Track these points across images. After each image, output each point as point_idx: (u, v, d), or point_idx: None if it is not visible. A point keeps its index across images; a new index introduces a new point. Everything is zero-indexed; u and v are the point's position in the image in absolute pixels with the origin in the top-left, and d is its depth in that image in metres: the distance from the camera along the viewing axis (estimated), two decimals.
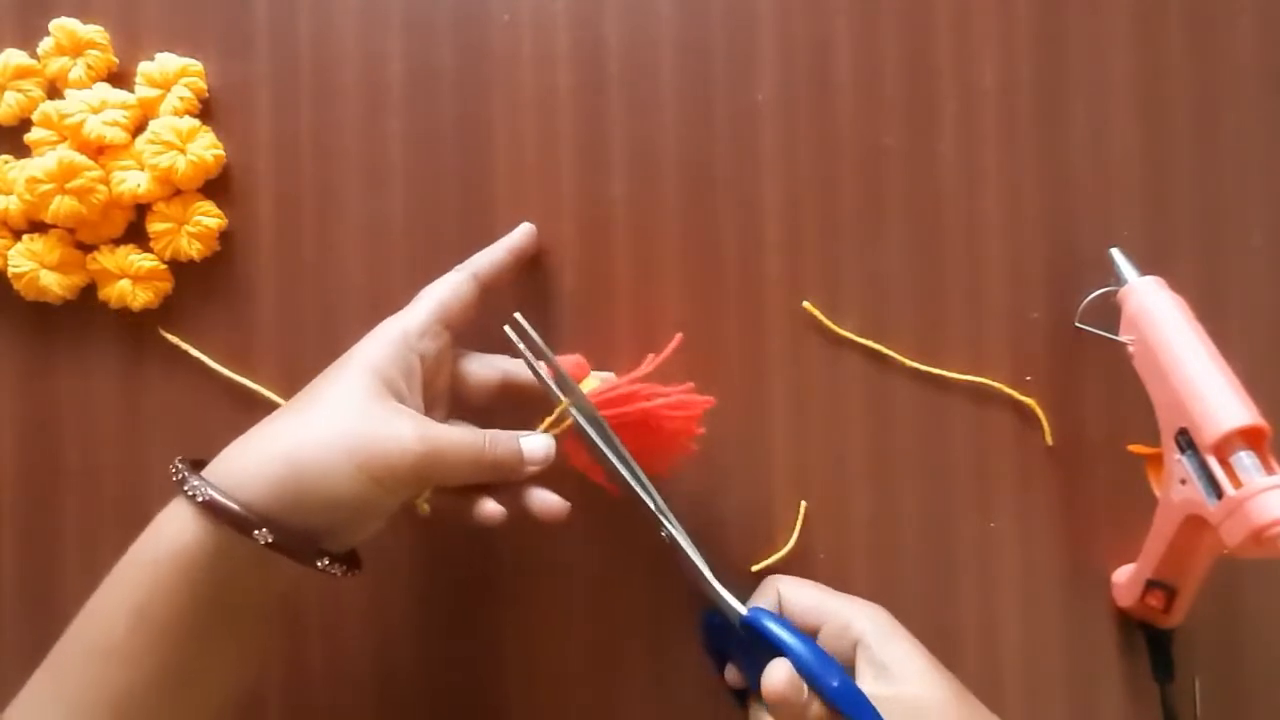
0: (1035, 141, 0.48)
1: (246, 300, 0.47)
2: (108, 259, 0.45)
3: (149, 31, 0.47)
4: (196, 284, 0.47)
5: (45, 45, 0.46)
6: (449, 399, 0.42)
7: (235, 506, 0.33)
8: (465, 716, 0.46)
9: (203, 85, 0.46)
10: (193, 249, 0.45)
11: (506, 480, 0.39)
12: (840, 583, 0.46)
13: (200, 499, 0.33)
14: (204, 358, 0.46)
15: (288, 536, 0.34)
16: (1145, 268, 0.45)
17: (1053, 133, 0.48)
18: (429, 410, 0.40)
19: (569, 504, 0.40)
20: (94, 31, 0.46)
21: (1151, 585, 0.43)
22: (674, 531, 0.40)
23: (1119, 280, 0.45)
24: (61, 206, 0.43)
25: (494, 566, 0.46)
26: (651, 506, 0.40)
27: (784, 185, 0.47)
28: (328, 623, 0.46)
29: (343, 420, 0.35)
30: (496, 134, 0.47)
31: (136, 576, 0.34)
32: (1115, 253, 0.45)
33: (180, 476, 0.35)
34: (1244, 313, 0.47)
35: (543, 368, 0.41)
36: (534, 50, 0.47)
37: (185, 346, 0.46)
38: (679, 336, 0.42)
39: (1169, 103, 0.48)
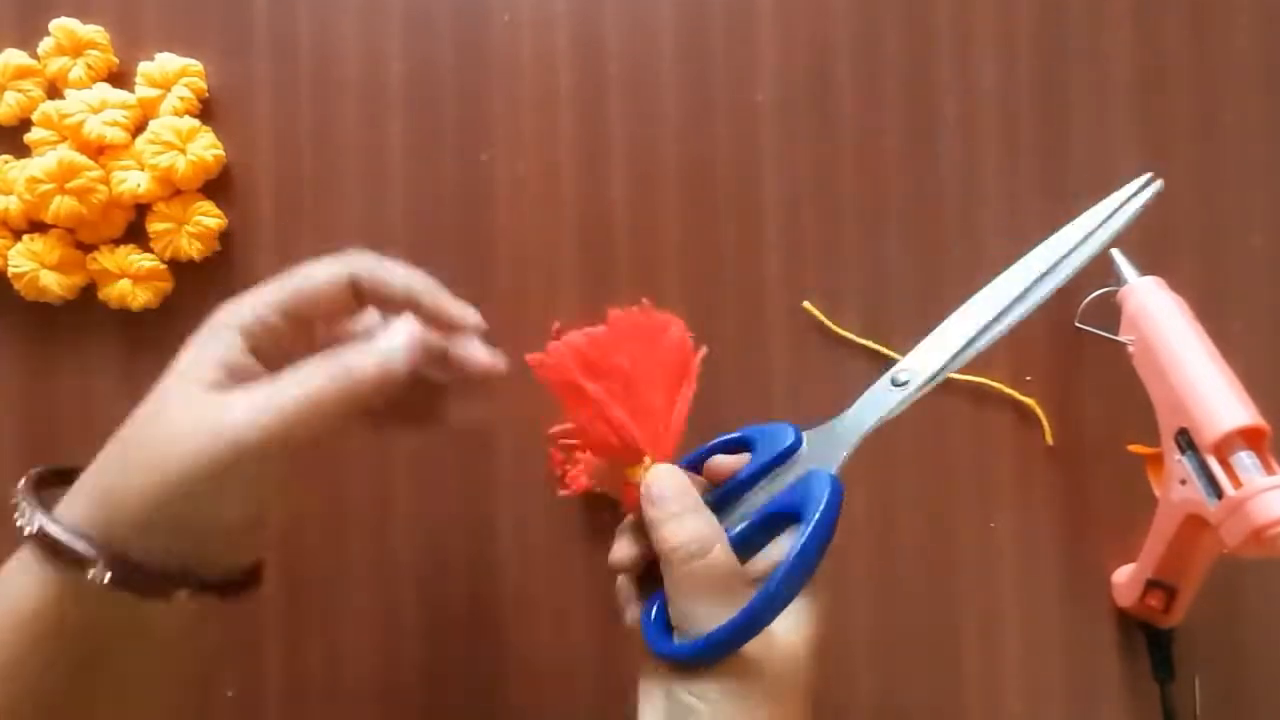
0: (1035, 141, 0.48)
1: None
2: (108, 259, 0.45)
3: (149, 31, 0.47)
4: (196, 284, 0.46)
5: (45, 45, 0.46)
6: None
7: (65, 537, 0.28)
8: (465, 716, 0.46)
9: (203, 85, 0.46)
10: (193, 249, 0.45)
11: (386, 393, 0.31)
12: (840, 582, 0.46)
13: (28, 531, 0.29)
14: None
15: (134, 570, 0.29)
16: (1145, 268, 0.45)
17: (1053, 133, 0.48)
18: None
19: (500, 359, 0.34)
20: (94, 31, 0.46)
21: (1151, 585, 0.43)
22: None
23: (1119, 280, 0.45)
24: (61, 206, 0.43)
25: (494, 566, 0.46)
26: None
27: (784, 185, 0.47)
28: (328, 623, 0.46)
29: (169, 424, 0.30)
30: (496, 134, 0.47)
31: None
32: (1115, 253, 0.45)
33: (15, 501, 0.30)
34: (1244, 313, 0.47)
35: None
36: (534, 50, 0.47)
37: None
38: (703, 350, 0.35)
39: (1169, 103, 0.48)
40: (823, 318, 0.47)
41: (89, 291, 0.46)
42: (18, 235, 0.45)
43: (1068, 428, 0.47)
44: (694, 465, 0.36)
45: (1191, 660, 0.46)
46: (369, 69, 0.47)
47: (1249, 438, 0.39)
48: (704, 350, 0.34)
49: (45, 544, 0.29)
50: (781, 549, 0.32)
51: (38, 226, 0.45)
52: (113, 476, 0.30)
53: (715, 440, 0.37)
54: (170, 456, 0.29)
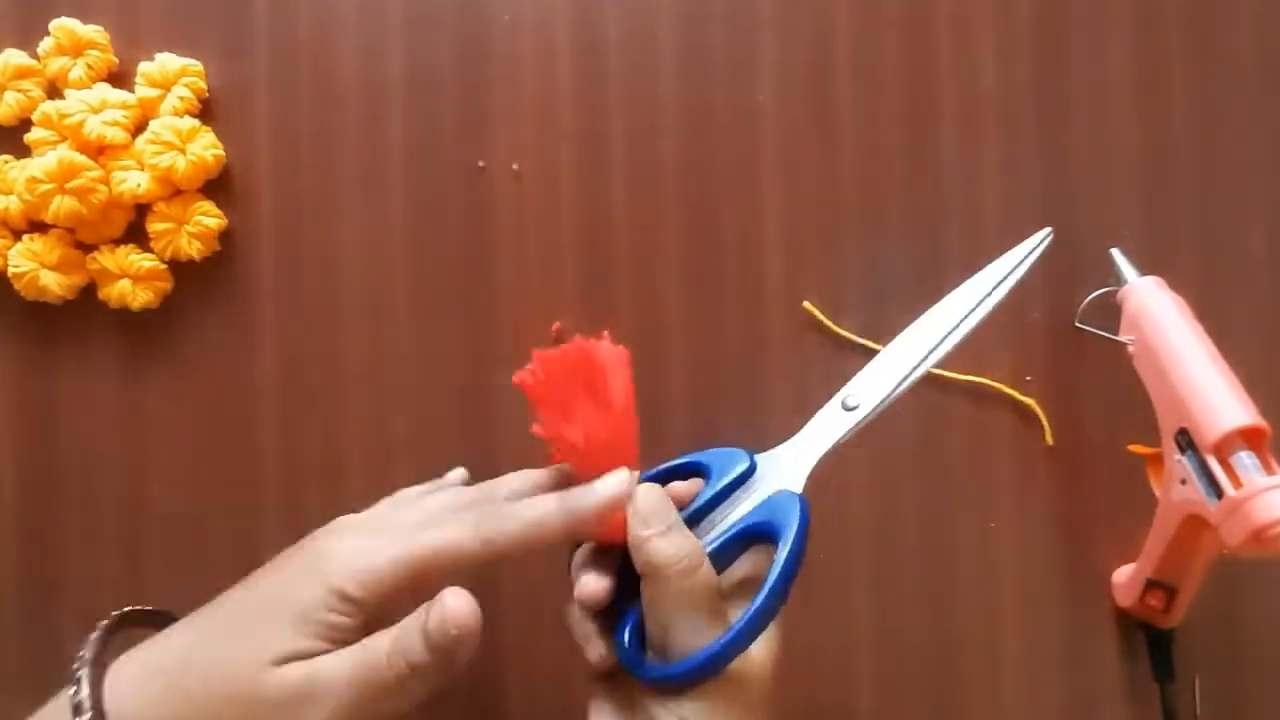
0: (1035, 141, 0.48)
1: (246, 300, 0.47)
2: (108, 259, 0.45)
3: (149, 31, 0.47)
4: (196, 284, 0.47)
5: (45, 45, 0.46)
6: None
7: None
8: (465, 716, 0.46)
9: (203, 85, 0.46)
10: (193, 249, 0.45)
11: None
12: (840, 582, 0.46)
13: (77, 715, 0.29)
14: None
15: None
16: (1145, 268, 0.45)
17: (1053, 133, 0.48)
18: None
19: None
20: (94, 31, 0.46)
21: (1151, 585, 0.43)
22: None
23: (1119, 280, 0.45)
24: (61, 206, 0.43)
25: (494, 567, 0.46)
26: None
27: (784, 185, 0.47)
28: None
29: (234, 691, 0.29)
30: (496, 134, 0.47)
31: None
32: (1115, 253, 0.45)
33: (75, 665, 0.31)
34: (1244, 313, 0.47)
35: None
36: (534, 50, 0.47)
37: None
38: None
39: (1169, 103, 0.48)
40: (823, 318, 0.47)
41: (89, 291, 0.46)
42: (18, 235, 0.45)
43: (1068, 428, 0.47)
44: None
45: (1191, 660, 0.46)
46: (369, 69, 0.47)
47: (1249, 438, 0.39)
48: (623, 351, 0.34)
49: None
50: (746, 568, 0.34)
51: (38, 226, 0.45)
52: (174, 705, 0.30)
53: (666, 464, 0.38)
54: None
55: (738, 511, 0.34)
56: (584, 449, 0.33)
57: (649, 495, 0.33)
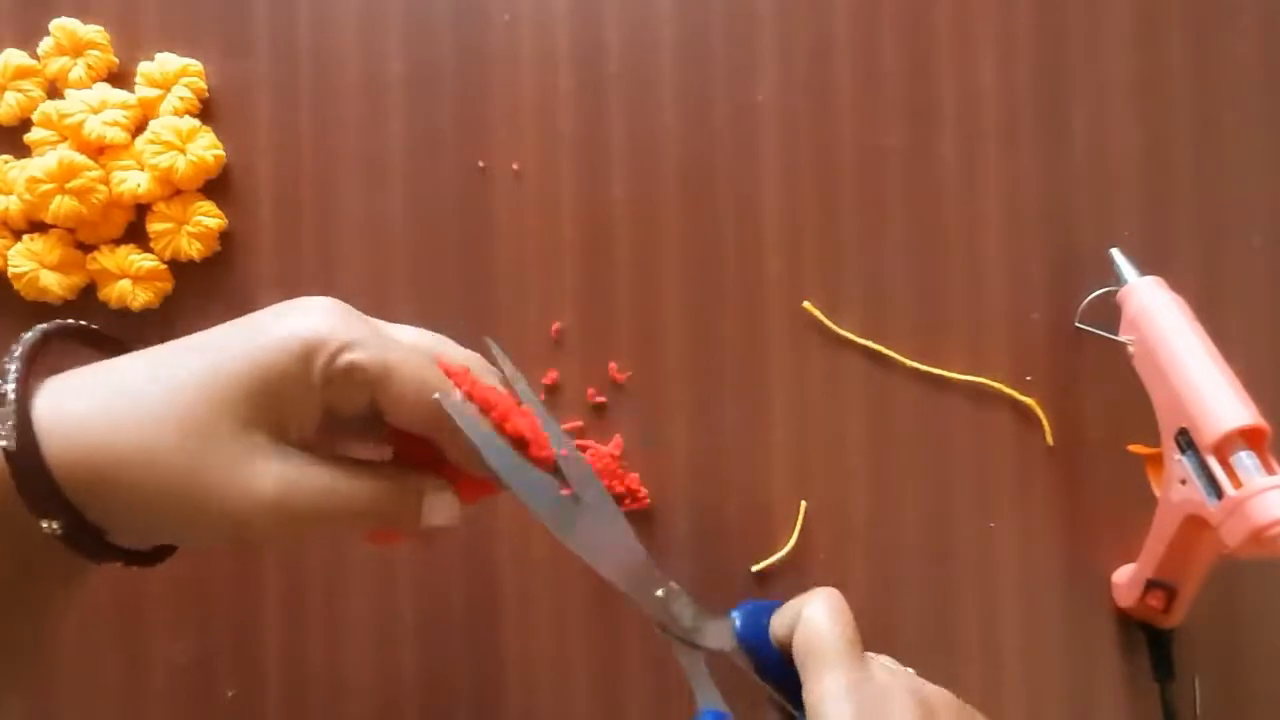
0: (1035, 141, 0.48)
1: (246, 300, 0.47)
2: (108, 259, 0.45)
3: (149, 31, 0.47)
4: (196, 284, 0.46)
5: (45, 45, 0.46)
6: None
7: (39, 481, 0.26)
8: (465, 716, 0.46)
9: (203, 85, 0.46)
10: (193, 249, 0.45)
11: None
12: (840, 583, 0.46)
13: (6, 445, 0.25)
14: None
15: (85, 533, 0.27)
16: (1145, 268, 0.45)
17: (1053, 133, 0.48)
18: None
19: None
20: (94, 31, 0.46)
21: (1151, 585, 0.43)
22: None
23: (1119, 280, 0.45)
24: (61, 206, 0.43)
25: (494, 567, 0.46)
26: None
27: (784, 185, 0.47)
28: (328, 623, 0.46)
29: (182, 454, 0.27)
30: (496, 134, 0.47)
31: None
32: (1115, 253, 0.45)
33: (4, 370, 0.27)
34: (1244, 313, 0.47)
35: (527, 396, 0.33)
36: (534, 50, 0.47)
37: None
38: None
39: (1169, 103, 0.48)
40: (823, 318, 0.47)
41: (89, 291, 0.46)
42: (18, 235, 0.45)
43: (1068, 428, 0.47)
44: None
45: (1191, 660, 0.46)
46: (369, 69, 0.47)
47: (1249, 438, 0.39)
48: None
49: (16, 466, 0.25)
50: None
51: (38, 226, 0.45)
52: (121, 461, 0.26)
53: None
54: (184, 502, 0.27)
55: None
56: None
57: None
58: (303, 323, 0.29)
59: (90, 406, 0.27)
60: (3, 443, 0.25)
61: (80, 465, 0.26)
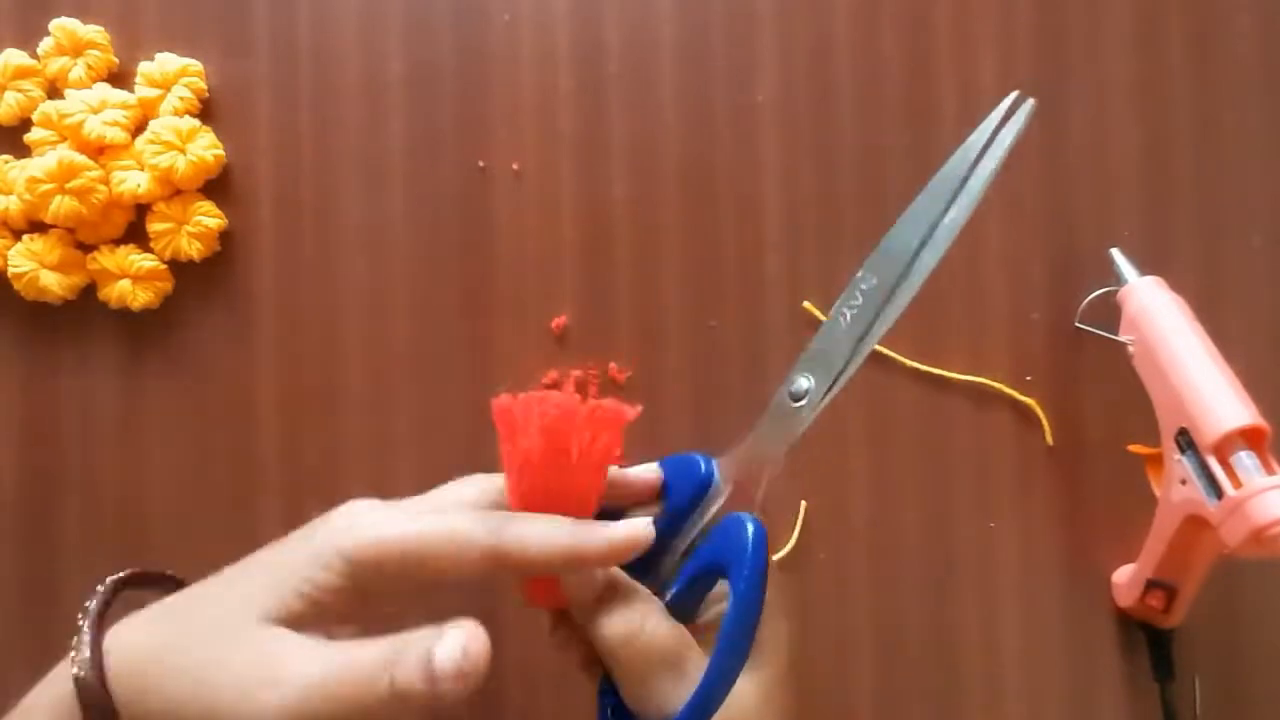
0: (1035, 141, 0.48)
1: (246, 300, 0.47)
2: (108, 259, 0.45)
3: (149, 31, 0.47)
4: (196, 284, 0.46)
5: (45, 45, 0.46)
6: None
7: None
8: (465, 716, 0.46)
9: (203, 85, 0.46)
10: (193, 249, 0.45)
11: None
12: (840, 582, 0.46)
13: (79, 673, 0.28)
14: None
15: None
16: (1145, 268, 0.45)
17: (1053, 133, 0.48)
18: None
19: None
20: (94, 31, 0.46)
21: (1151, 585, 0.43)
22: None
23: (1119, 280, 0.45)
24: (61, 206, 0.43)
25: (494, 578, 0.46)
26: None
27: (784, 185, 0.47)
28: None
29: (228, 661, 0.28)
30: (496, 134, 0.47)
31: None
32: (1115, 253, 0.45)
33: (80, 626, 0.29)
34: (1244, 313, 0.47)
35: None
36: (534, 50, 0.47)
37: None
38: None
39: (1169, 103, 0.48)
40: (823, 318, 0.47)
41: (89, 291, 0.46)
42: (18, 235, 0.45)
43: (1068, 428, 0.47)
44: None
45: (1191, 660, 0.46)
46: (369, 69, 0.47)
47: (1249, 438, 0.39)
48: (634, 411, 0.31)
49: (85, 696, 0.28)
50: (716, 607, 0.31)
51: (38, 226, 0.45)
52: (156, 673, 0.28)
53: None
54: (217, 702, 0.27)
55: (696, 536, 0.32)
56: (516, 486, 0.31)
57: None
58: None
59: (143, 643, 0.29)
60: (76, 670, 0.28)
61: (127, 673, 0.28)
